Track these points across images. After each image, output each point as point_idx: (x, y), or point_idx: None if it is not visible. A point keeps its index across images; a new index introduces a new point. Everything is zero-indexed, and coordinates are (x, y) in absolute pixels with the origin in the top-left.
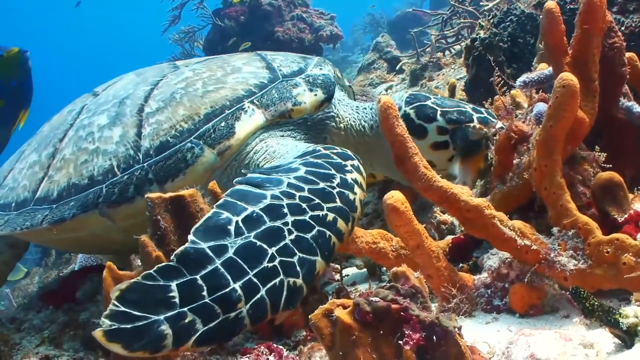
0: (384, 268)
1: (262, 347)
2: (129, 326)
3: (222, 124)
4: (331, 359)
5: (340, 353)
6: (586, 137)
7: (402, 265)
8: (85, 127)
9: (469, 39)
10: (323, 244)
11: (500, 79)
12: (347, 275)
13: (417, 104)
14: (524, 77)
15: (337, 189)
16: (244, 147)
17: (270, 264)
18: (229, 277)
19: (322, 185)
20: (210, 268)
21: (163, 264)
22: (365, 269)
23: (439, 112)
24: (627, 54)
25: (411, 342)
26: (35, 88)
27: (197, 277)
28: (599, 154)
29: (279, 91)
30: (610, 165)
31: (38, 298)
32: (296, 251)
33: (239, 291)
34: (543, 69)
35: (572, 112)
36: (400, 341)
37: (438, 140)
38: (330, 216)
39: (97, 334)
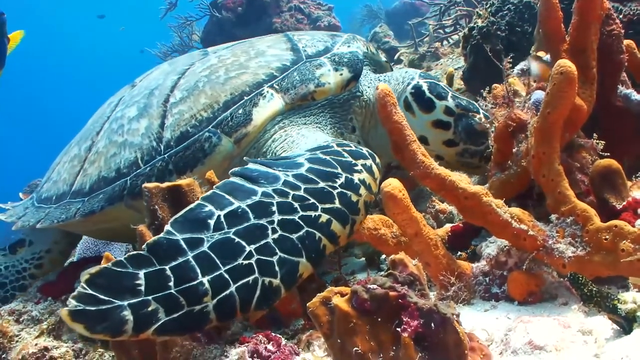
0: (383, 257)
1: (261, 336)
2: (92, 308)
3: (240, 111)
4: (329, 346)
5: (338, 341)
6: (584, 125)
7: (400, 253)
8: (118, 119)
9: (467, 28)
10: (310, 246)
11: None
12: (346, 264)
13: (431, 80)
14: (521, 65)
15: (339, 190)
16: (262, 134)
17: (246, 262)
18: (197, 270)
19: (322, 184)
20: (180, 260)
21: (135, 252)
22: (363, 258)
23: (450, 94)
24: (625, 42)
25: (409, 329)
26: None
27: (166, 267)
28: (597, 141)
29: (301, 73)
30: (608, 153)
31: (37, 290)
32: (277, 250)
33: (207, 285)
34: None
35: (570, 99)
36: (398, 328)
37: (442, 119)
38: (324, 217)
39: (63, 312)
